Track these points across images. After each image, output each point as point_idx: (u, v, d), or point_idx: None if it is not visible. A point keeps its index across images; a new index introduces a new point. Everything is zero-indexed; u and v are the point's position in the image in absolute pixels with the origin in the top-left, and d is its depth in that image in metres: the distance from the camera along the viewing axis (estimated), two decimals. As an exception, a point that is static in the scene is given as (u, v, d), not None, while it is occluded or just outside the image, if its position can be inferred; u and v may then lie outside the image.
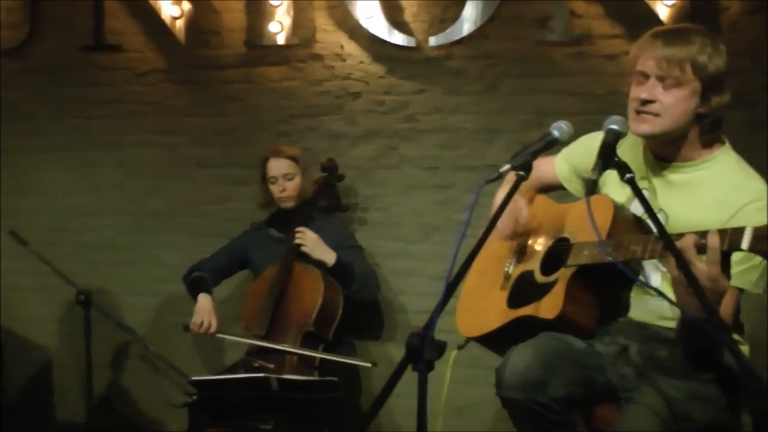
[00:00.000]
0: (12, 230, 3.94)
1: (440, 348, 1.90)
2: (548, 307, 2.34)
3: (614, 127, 2.14)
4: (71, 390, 4.43)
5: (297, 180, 3.77)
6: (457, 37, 3.88)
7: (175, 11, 4.23)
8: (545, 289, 2.40)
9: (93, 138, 4.50)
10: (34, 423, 4.60)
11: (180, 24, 4.25)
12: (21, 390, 4.68)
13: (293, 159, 3.76)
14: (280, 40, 4.12)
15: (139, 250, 4.45)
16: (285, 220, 3.80)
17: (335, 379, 3.22)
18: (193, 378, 3.31)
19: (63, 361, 4.57)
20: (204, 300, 3.71)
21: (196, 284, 3.78)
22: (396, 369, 1.92)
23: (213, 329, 3.65)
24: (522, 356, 2.28)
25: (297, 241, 3.65)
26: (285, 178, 3.75)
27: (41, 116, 4.56)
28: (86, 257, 4.50)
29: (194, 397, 3.30)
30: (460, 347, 2.58)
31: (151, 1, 4.25)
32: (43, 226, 4.51)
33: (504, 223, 2.56)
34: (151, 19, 4.30)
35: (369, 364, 3.48)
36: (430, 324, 1.90)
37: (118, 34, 4.41)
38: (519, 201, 2.58)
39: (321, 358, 3.49)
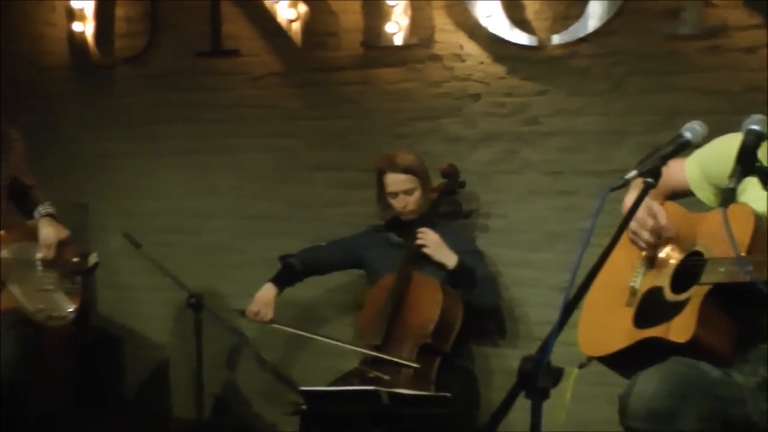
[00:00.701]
0: (126, 232, 4.01)
1: (556, 375, 1.77)
2: (679, 329, 2.15)
3: (755, 127, 1.95)
4: (187, 388, 4.48)
5: (417, 193, 3.68)
6: (581, 35, 3.70)
7: (291, 14, 4.21)
8: (676, 308, 2.21)
9: (210, 142, 4.54)
10: (151, 419, 4.67)
11: (296, 26, 4.23)
12: (140, 386, 4.79)
13: (411, 172, 3.66)
14: (398, 40, 4.04)
15: (254, 253, 4.45)
16: (404, 225, 3.72)
17: (448, 394, 3.10)
18: (302, 388, 3.26)
19: (179, 359, 4.63)
20: (267, 290, 3.73)
21: (282, 270, 3.79)
22: (507, 396, 1.79)
23: (267, 319, 3.69)
24: (649, 383, 2.09)
25: (419, 241, 3.57)
26: (405, 193, 3.67)
27: (160, 121, 4.64)
28: (201, 259, 4.55)
29: (303, 407, 3.24)
30: (582, 366, 2.43)
31: (267, 5, 4.24)
32: (160, 228, 4.60)
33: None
34: (267, 22, 4.29)
35: (416, 365, 3.35)
36: (545, 348, 1.75)
37: (235, 38, 4.44)
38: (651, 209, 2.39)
39: (437, 373, 3.39)
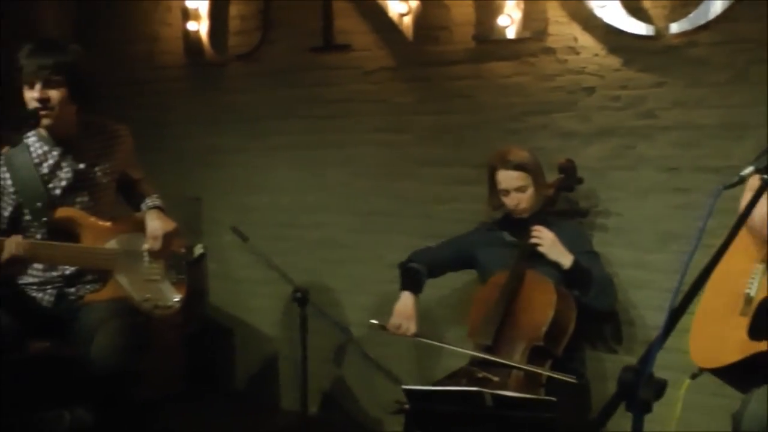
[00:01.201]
0: (234, 226, 4.07)
1: (659, 387, 1.66)
2: (798, 342, 2.01)
3: None
4: (295, 381, 4.48)
5: (530, 191, 3.57)
6: (702, 22, 3.51)
7: (403, 8, 4.19)
8: (795, 319, 2.06)
9: (321, 137, 4.58)
10: (260, 409, 4.73)
11: (407, 20, 4.20)
12: (249, 377, 4.87)
13: (523, 169, 3.55)
14: (510, 33, 3.96)
15: (363, 249, 4.47)
16: (518, 223, 3.63)
17: (554, 399, 2.99)
18: (405, 386, 3.21)
19: (288, 352, 4.68)
20: (406, 300, 3.62)
21: (407, 276, 3.69)
22: (605, 406, 1.70)
23: (411, 333, 3.56)
24: (764, 403, 1.95)
25: (533, 240, 3.48)
26: (517, 190, 3.57)
27: (272, 117, 4.71)
28: (310, 254, 4.60)
29: (406, 406, 3.19)
30: (694, 376, 2.34)
31: (379, 0, 4.24)
32: (270, 222, 4.68)
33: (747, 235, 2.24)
34: (378, 17, 4.29)
35: (573, 380, 3.22)
36: (648, 357, 1.65)
37: (347, 33, 4.46)
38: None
39: (548, 376, 3.27)
